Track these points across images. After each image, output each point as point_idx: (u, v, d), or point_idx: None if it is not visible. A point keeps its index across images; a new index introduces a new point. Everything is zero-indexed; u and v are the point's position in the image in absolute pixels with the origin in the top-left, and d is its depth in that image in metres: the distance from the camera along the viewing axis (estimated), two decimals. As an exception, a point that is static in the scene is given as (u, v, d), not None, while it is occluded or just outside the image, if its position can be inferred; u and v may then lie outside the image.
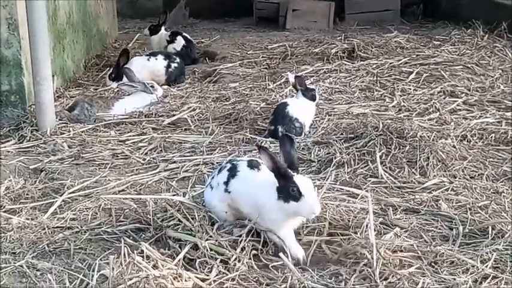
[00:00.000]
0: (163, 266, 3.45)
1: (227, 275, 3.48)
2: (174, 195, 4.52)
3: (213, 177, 4.02)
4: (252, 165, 3.86)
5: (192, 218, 3.86)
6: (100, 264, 3.49)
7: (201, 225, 3.77)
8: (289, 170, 3.60)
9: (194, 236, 3.71)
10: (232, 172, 3.87)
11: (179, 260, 3.57)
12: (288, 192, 3.56)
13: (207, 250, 3.61)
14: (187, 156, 5.42)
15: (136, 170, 5.16)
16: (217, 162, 5.11)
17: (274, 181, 3.63)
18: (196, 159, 5.29)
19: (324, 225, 3.96)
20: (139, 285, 3.24)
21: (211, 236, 3.70)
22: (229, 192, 3.84)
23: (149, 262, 3.46)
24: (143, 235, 3.91)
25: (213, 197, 3.94)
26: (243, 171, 3.85)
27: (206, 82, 8.01)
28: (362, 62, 8.26)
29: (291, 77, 6.17)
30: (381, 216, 4.17)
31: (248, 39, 10.61)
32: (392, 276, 3.43)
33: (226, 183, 3.86)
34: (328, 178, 4.73)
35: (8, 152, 5.48)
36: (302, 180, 3.59)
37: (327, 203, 4.20)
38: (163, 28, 9.44)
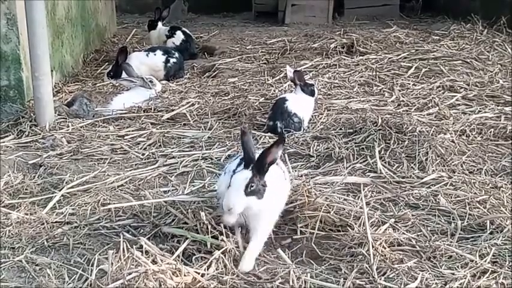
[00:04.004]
0: (162, 261, 3.45)
1: (227, 269, 3.49)
2: (172, 190, 4.52)
3: (229, 163, 4.02)
4: None
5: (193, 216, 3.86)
6: (99, 259, 3.50)
7: (198, 220, 3.77)
8: (259, 165, 3.54)
9: (189, 231, 3.72)
10: (242, 161, 3.83)
11: (178, 255, 3.58)
12: None
13: (205, 245, 3.62)
14: (186, 151, 5.42)
15: (135, 165, 5.16)
16: (216, 158, 5.12)
17: (274, 177, 3.63)
18: (195, 154, 5.30)
19: (321, 219, 3.96)
20: (138, 280, 3.24)
21: (207, 230, 3.71)
22: None
23: (148, 257, 3.47)
24: (142, 230, 3.92)
25: (222, 183, 3.92)
26: None
27: (205, 77, 8.01)
28: (361, 57, 8.26)
29: (290, 72, 6.16)
30: (379, 211, 4.18)
31: (247, 34, 10.61)
32: (391, 271, 3.44)
33: (235, 171, 3.84)
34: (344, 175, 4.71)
35: (7, 147, 5.47)
36: (240, 175, 3.56)
37: (326, 196, 4.21)
38: (160, 23, 9.45)
